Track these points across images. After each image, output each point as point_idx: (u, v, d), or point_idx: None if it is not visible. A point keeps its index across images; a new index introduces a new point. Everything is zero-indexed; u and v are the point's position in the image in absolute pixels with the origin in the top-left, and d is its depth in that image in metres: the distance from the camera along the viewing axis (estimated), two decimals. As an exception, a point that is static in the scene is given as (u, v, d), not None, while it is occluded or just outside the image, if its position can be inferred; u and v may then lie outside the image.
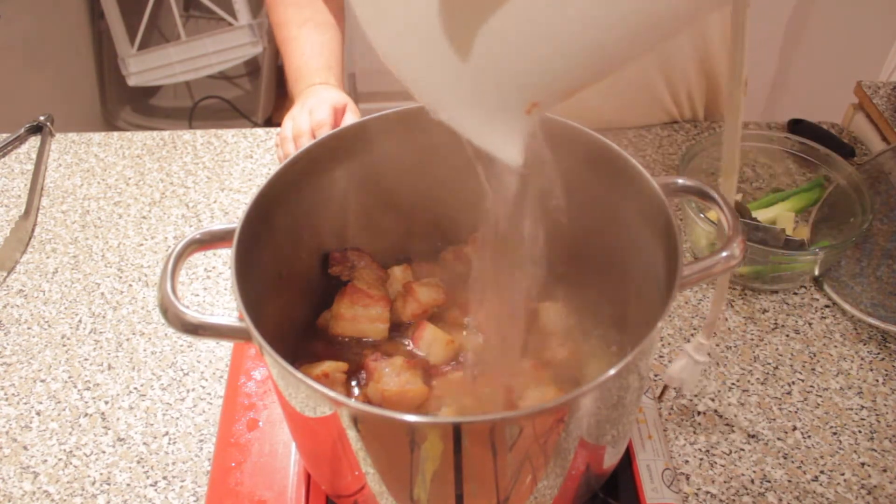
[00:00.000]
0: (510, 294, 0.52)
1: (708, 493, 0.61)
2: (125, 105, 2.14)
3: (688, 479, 0.62)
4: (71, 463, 0.65)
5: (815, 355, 0.72)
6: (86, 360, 0.73)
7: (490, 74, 0.32)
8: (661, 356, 0.72)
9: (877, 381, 0.70)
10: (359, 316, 0.61)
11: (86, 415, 0.68)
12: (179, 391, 0.70)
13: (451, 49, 0.31)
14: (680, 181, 0.53)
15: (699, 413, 0.67)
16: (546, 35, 0.30)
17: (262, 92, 2.09)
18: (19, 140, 1.03)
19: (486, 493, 0.47)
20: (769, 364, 0.71)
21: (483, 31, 0.30)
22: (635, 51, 0.32)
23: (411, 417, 0.41)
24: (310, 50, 0.96)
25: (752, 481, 0.62)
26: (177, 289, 0.46)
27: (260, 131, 1.04)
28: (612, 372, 0.41)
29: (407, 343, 0.61)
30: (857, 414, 0.67)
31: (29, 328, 0.77)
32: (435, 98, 0.34)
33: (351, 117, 0.89)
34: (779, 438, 0.65)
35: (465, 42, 0.30)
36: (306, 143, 0.85)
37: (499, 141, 0.35)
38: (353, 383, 0.59)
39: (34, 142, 1.02)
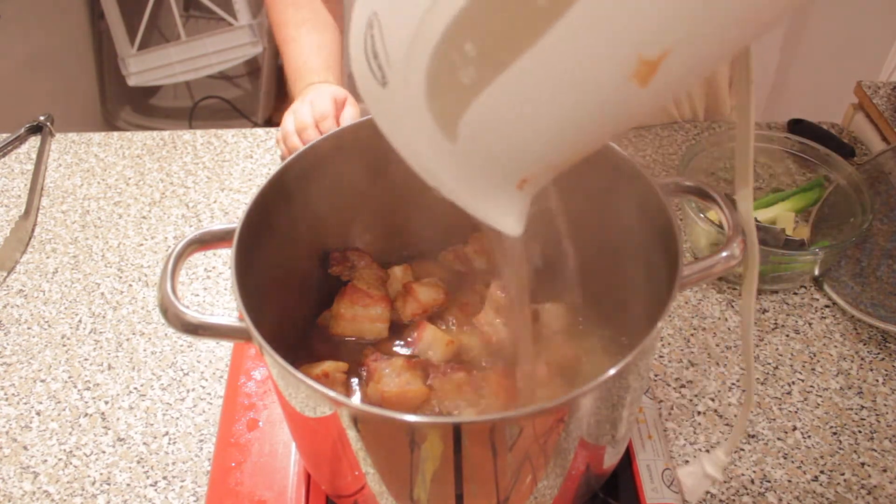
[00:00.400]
0: (522, 301, 0.53)
1: (708, 492, 0.61)
2: (125, 105, 2.14)
3: (688, 479, 0.62)
4: (71, 463, 0.65)
5: (815, 355, 0.72)
6: (86, 360, 0.73)
7: (476, 156, 0.34)
8: (661, 356, 0.72)
9: (877, 381, 0.70)
10: (359, 316, 0.61)
11: (86, 415, 0.68)
12: (179, 391, 0.70)
13: (440, 132, 0.33)
14: (680, 181, 0.53)
15: (699, 413, 0.67)
16: (517, 124, 0.32)
17: (262, 92, 2.09)
18: (19, 140, 1.03)
19: (486, 493, 0.47)
20: (769, 364, 0.71)
21: (465, 119, 0.32)
22: (617, 130, 0.34)
23: (411, 417, 0.41)
24: (308, 50, 0.96)
25: (752, 481, 0.62)
26: (177, 289, 0.46)
27: (260, 131, 1.04)
28: (612, 372, 0.41)
29: (408, 341, 0.61)
30: (857, 414, 0.67)
31: (29, 328, 0.77)
32: (432, 175, 0.37)
33: (351, 110, 0.89)
34: (779, 438, 0.65)
35: (452, 126, 0.33)
36: (312, 134, 0.85)
37: (496, 214, 0.38)
38: (354, 383, 0.59)
39: (34, 142, 1.02)
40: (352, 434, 0.44)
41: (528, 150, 0.34)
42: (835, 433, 0.66)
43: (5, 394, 0.70)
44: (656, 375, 0.70)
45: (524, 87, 0.30)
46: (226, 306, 0.79)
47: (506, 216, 0.38)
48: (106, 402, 0.69)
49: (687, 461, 0.63)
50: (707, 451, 0.64)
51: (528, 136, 0.33)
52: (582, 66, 0.29)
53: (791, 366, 0.71)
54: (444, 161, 0.35)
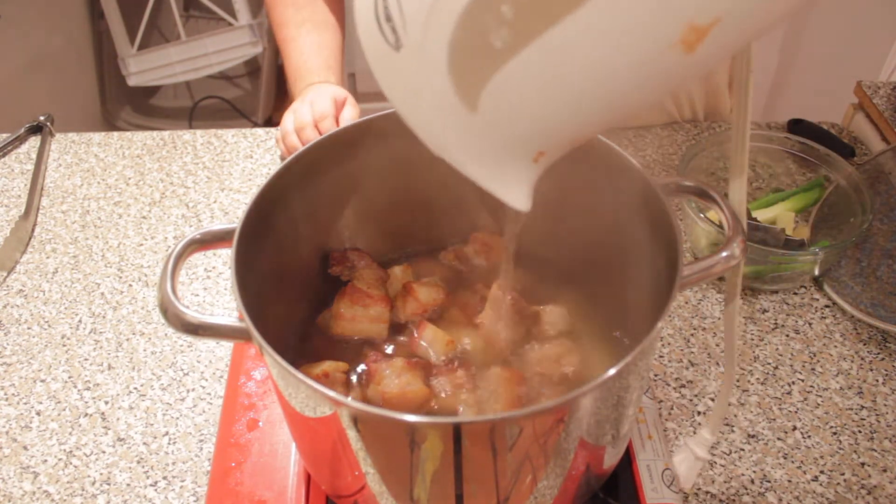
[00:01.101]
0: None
1: (708, 493, 0.61)
2: (125, 105, 2.14)
3: (688, 479, 0.62)
4: (71, 463, 0.65)
5: (815, 355, 0.72)
6: (86, 360, 0.73)
7: (497, 126, 0.33)
8: (660, 356, 0.72)
9: (877, 381, 0.70)
10: (359, 316, 0.61)
11: (86, 415, 0.68)
12: (179, 391, 0.70)
13: (459, 101, 0.32)
14: (680, 181, 0.53)
15: (699, 413, 0.67)
16: (550, 92, 0.31)
17: (262, 92, 2.09)
18: (19, 140, 1.03)
19: (486, 493, 0.47)
20: (769, 364, 0.71)
21: (489, 87, 0.31)
22: (641, 105, 0.33)
23: (411, 417, 0.41)
24: (309, 50, 0.96)
25: (752, 481, 0.62)
26: (177, 289, 0.46)
27: (260, 131, 1.04)
28: (612, 372, 0.41)
29: (409, 341, 0.61)
30: (857, 414, 0.67)
31: (29, 328, 0.77)
32: (442, 146, 0.35)
33: (350, 110, 0.89)
34: (779, 438, 0.65)
35: (473, 95, 0.31)
36: (310, 133, 0.85)
37: (507, 188, 0.36)
38: (354, 382, 0.59)
39: (34, 142, 1.02)
40: (352, 434, 0.44)
41: (556, 121, 0.32)
42: (835, 433, 0.66)
43: (5, 394, 0.70)
44: (656, 375, 0.70)
45: (563, 52, 0.29)
46: (226, 306, 0.79)
47: (516, 190, 0.36)
48: (106, 402, 0.69)
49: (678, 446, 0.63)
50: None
51: (559, 105, 0.31)
52: (631, 29, 0.27)
53: (791, 366, 0.71)
54: (459, 131, 0.34)
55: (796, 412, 0.67)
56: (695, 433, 0.66)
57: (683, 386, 0.70)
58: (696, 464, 0.59)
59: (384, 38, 0.32)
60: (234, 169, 0.97)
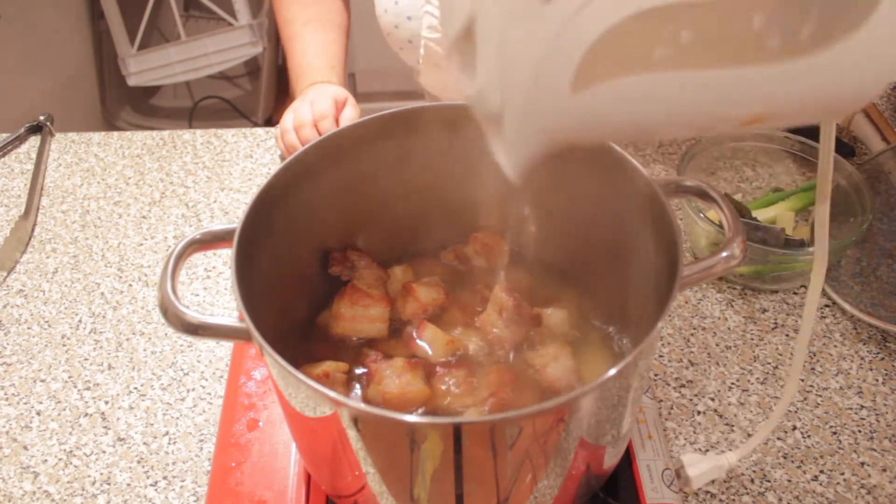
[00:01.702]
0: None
1: (708, 492, 0.61)
2: (125, 105, 2.14)
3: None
4: (71, 463, 0.65)
5: (815, 355, 0.72)
6: (86, 360, 0.73)
7: (575, 114, 0.33)
8: (660, 356, 0.72)
9: (877, 381, 0.70)
10: (359, 316, 0.61)
11: (86, 415, 0.68)
12: (179, 391, 0.70)
13: (568, 79, 0.31)
14: (680, 181, 0.53)
15: (699, 413, 0.67)
16: (647, 110, 0.32)
17: (262, 92, 2.09)
18: (19, 140, 1.03)
19: (486, 493, 0.47)
20: (769, 364, 0.71)
21: (607, 82, 0.31)
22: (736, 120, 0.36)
23: (411, 417, 0.41)
24: (313, 49, 0.96)
25: (752, 481, 0.62)
26: (177, 289, 0.46)
27: (260, 131, 1.04)
28: (612, 372, 0.41)
29: (409, 341, 0.61)
30: (857, 414, 0.67)
31: (29, 328, 0.77)
32: (507, 108, 0.34)
33: (350, 110, 0.90)
34: (779, 438, 0.65)
35: (586, 81, 0.31)
36: (309, 132, 0.85)
37: (513, 158, 0.36)
38: (355, 383, 0.59)
39: (34, 142, 1.02)
40: (352, 434, 0.44)
41: (623, 127, 0.34)
42: (835, 433, 0.66)
43: (5, 394, 0.70)
44: (656, 375, 0.70)
45: (681, 86, 0.31)
46: (226, 306, 0.79)
47: (521, 162, 0.36)
48: (106, 402, 0.69)
49: (701, 450, 0.63)
50: (721, 451, 0.64)
51: (638, 121, 0.33)
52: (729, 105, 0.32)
53: (791, 365, 0.71)
54: (541, 103, 0.33)
55: (796, 412, 0.67)
56: (698, 442, 0.66)
57: (683, 386, 0.70)
58: (711, 472, 0.60)
59: None
60: (234, 169, 0.97)
